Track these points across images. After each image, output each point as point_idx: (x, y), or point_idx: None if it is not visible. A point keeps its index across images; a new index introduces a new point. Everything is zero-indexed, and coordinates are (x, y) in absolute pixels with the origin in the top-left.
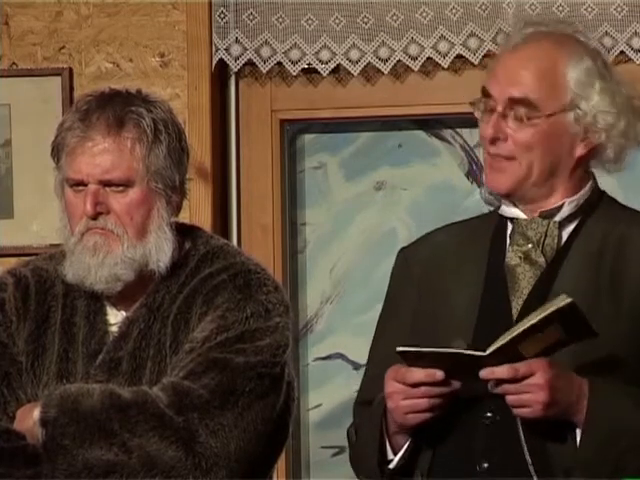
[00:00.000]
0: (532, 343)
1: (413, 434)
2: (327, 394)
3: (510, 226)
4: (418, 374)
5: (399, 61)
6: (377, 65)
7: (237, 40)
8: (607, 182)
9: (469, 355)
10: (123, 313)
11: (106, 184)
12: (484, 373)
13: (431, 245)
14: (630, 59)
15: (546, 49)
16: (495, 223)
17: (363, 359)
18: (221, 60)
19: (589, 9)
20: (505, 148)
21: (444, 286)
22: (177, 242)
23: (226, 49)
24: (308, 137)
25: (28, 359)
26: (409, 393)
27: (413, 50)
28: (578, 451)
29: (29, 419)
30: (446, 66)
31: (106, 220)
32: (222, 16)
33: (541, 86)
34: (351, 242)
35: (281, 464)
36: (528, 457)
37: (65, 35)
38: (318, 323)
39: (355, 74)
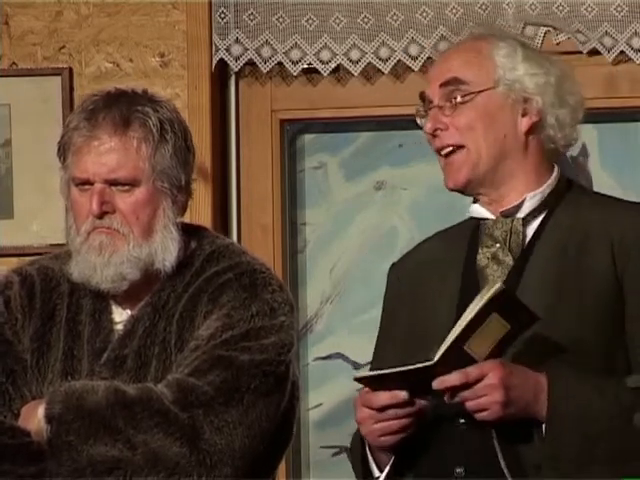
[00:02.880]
0: (479, 342)
1: (394, 450)
2: (327, 394)
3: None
4: (382, 397)
5: (399, 61)
6: (377, 65)
7: (237, 40)
8: (607, 183)
9: (419, 368)
10: (128, 312)
11: (112, 183)
12: (435, 384)
13: (415, 259)
14: (630, 59)
15: (469, 44)
16: (472, 228)
17: (363, 359)
18: (221, 60)
19: (589, 9)
20: (448, 137)
21: (428, 297)
22: (183, 242)
23: (226, 49)
24: (308, 137)
25: (33, 357)
26: (378, 417)
27: (413, 50)
28: (544, 445)
29: (34, 416)
30: None
31: (112, 219)
32: (222, 16)
33: (468, 67)
34: (351, 242)
35: (281, 464)
36: (501, 458)
37: (65, 35)
38: (318, 323)
39: (355, 74)
